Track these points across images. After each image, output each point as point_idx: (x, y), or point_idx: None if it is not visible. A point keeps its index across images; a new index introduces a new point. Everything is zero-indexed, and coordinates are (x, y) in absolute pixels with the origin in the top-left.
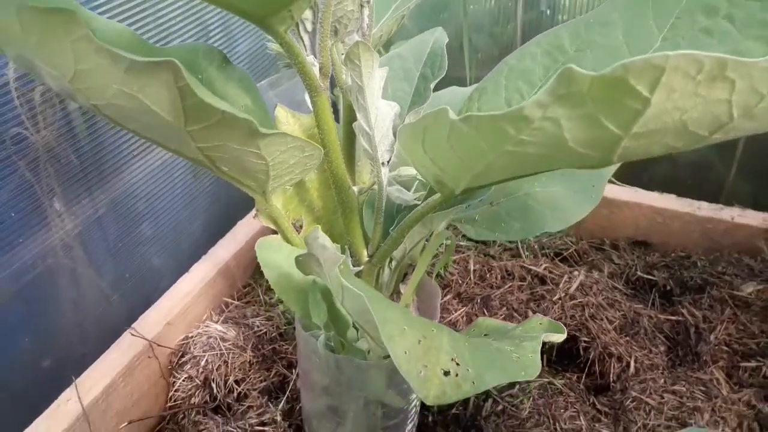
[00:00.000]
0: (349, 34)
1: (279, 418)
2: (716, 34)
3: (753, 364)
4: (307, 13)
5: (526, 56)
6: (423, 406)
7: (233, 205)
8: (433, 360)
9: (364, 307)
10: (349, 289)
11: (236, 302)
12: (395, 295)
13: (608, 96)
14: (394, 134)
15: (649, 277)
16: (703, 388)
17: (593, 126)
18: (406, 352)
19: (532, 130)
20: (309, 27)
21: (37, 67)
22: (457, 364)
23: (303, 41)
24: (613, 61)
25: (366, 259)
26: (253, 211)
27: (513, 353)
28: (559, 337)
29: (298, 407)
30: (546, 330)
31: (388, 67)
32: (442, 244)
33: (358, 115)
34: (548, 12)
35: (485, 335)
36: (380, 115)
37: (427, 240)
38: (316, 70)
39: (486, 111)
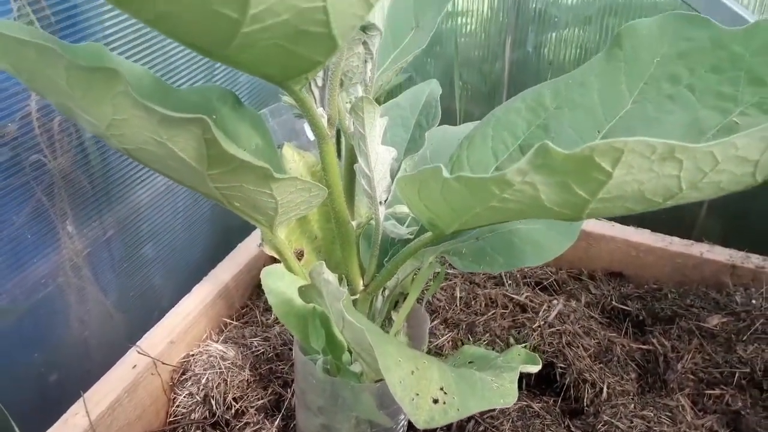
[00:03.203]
0: (353, 86)
1: None
2: (678, 100)
3: (717, 391)
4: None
5: (511, 110)
6: (410, 425)
7: (231, 230)
8: (424, 389)
9: (363, 338)
10: (350, 322)
11: (235, 322)
12: (387, 321)
13: (577, 169)
14: (392, 176)
15: (624, 307)
16: (669, 414)
17: (565, 191)
18: (401, 382)
19: (514, 191)
20: (320, 83)
21: (76, 114)
22: (445, 393)
23: (314, 94)
24: (588, 119)
25: (362, 288)
26: (257, 240)
27: (493, 383)
28: (534, 368)
29: (292, 425)
30: (524, 361)
31: (387, 115)
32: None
33: (360, 159)
34: (533, 52)
35: (470, 362)
36: (379, 159)
37: (417, 270)
38: (324, 121)
39: (474, 159)
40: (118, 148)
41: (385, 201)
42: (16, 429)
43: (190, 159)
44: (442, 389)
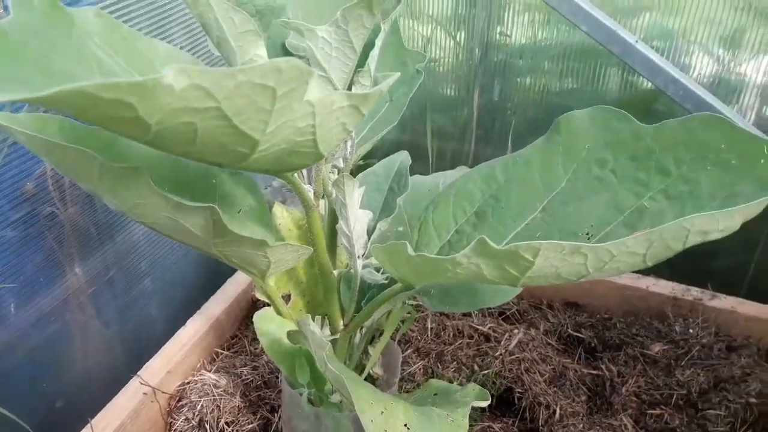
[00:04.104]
0: (335, 159)
1: None
2: (604, 181)
3: (657, 411)
4: None
5: (469, 181)
6: None
7: (219, 266)
8: (391, 426)
9: (343, 383)
10: (332, 371)
11: (226, 352)
12: (365, 354)
13: (508, 257)
14: (368, 234)
15: (578, 334)
16: None
17: (501, 270)
18: (372, 421)
19: (463, 268)
20: None
21: (103, 196)
22: (408, 428)
23: (302, 174)
24: (531, 193)
25: (342, 327)
26: (245, 275)
27: (449, 417)
28: (484, 403)
29: None
30: (476, 397)
31: (364, 180)
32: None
33: (341, 221)
34: (498, 99)
35: (435, 394)
36: (358, 221)
37: (391, 311)
38: (311, 195)
39: (437, 222)
40: (135, 220)
41: (362, 255)
42: None
43: (198, 232)
44: (406, 425)
